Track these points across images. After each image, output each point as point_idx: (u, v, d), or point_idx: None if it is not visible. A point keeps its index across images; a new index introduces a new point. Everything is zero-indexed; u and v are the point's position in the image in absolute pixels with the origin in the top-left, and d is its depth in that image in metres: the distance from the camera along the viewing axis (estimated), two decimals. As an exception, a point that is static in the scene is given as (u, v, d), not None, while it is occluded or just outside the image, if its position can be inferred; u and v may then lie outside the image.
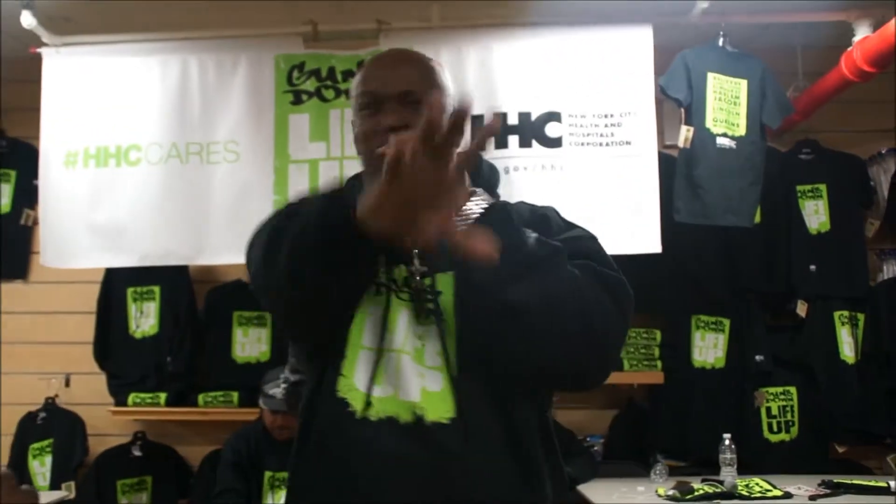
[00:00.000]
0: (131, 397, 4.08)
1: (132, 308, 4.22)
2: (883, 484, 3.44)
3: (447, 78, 1.47)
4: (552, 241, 1.27)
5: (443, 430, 1.26)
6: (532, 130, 3.50)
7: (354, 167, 3.67)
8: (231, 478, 3.56)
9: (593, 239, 1.38)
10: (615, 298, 1.26)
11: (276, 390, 3.47)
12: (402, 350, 1.30)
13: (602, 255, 1.33)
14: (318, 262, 1.20)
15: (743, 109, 3.70)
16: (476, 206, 1.27)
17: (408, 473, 1.25)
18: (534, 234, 1.26)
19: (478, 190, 1.31)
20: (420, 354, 1.30)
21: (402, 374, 1.29)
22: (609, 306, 1.25)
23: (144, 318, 4.20)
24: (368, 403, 1.28)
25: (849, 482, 3.45)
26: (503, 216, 1.27)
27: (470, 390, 1.28)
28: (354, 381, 1.30)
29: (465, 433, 1.26)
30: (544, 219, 1.40)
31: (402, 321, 1.32)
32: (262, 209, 3.49)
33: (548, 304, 1.20)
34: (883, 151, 4.38)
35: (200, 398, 4.08)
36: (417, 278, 1.33)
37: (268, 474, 3.58)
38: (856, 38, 3.59)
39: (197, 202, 3.53)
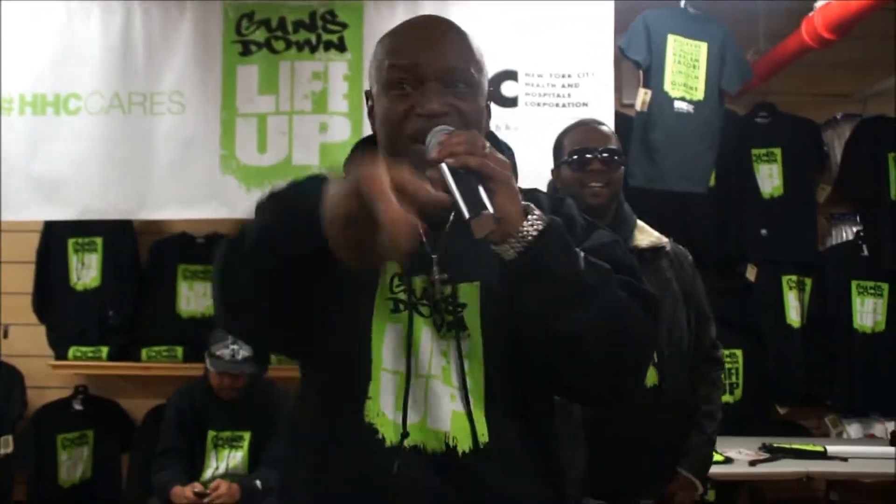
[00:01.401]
0: (72, 351, 3.99)
1: (73, 259, 4.10)
2: (820, 448, 3.52)
3: (482, 55, 1.32)
4: (600, 262, 1.16)
5: (478, 459, 1.19)
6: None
7: (304, 123, 3.58)
8: (173, 437, 3.52)
9: (618, 244, 1.28)
10: (652, 316, 1.19)
11: (224, 350, 3.41)
12: (430, 374, 1.21)
13: (631, 264, 1.25)
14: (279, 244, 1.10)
15: (702, 73, 3.66)
16: (532, 226, 1.11)
17: None
18: (581, 254, 1.15)
19: (529, 206, 1.13)
20: (447, 374, 1.22)
21: (430, 400, 1.21)
22: (648, 328, 1.19)
23: (86, 270, 4.09)
24: (400, 432, 1.20)
25: (787, 447, 3.52)
26: (561, 240, 1.13)
27: (503, 414, 1.21)
28: (381, 406, 1.21)
29: (499, 460, 1.20)
30: (569, 220, 1.27)
31: (425, 341, 1.22)
32: (207, 163, 3.41)
33: (601, 333, 1.12)
34: (838, 117, 4.39)
35: (144, 352, 4.00)
36: (436, 287, 1.22)
37: (211, 433, 3.54)
38: (818, 4, 3.54)
39: (140, 154, 3.41)
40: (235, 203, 3.40)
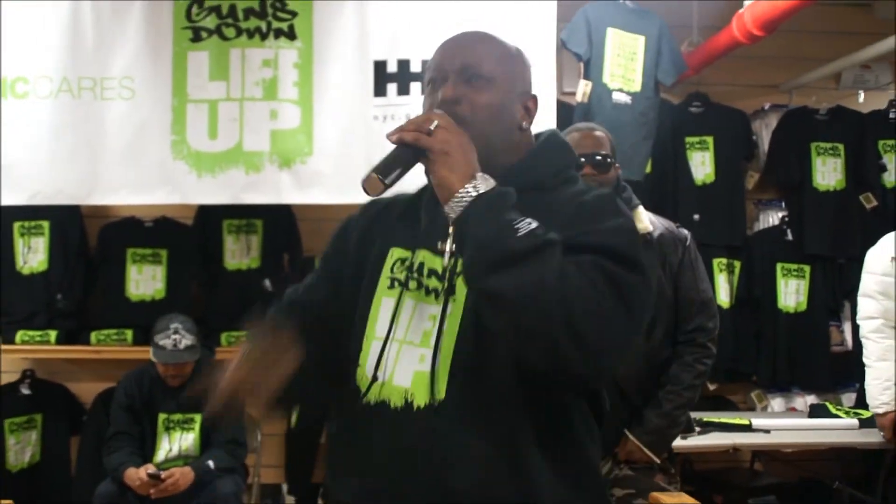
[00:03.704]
0: (19, 335, 3.97)
1: (19, 243, 4.09)
2: (745, 422, 3.74)
3: (520, 61, 1.46)
4: (548, 234, 1.22)
5: (430, 413, 1.31)
6: (414, 78, 3.48)
7: (255, 109, 3.63)
8: (124, 421, 3.57)
9: (620, 232, 1.30)
10: (621, 297, 1.21)
11: (167, 341, 3.47)
12: (404, 340, 1.36)
13: (621, 250, 1.26)
14: None
15: (639, 65, 3.82)
16: (467, 193, 1.25)
17: (391, 458, 1.33)
18: (530, 226, 1.22)
19: (478, 175, 1.27)
20: (427, 337, 1.35)
21: (400, 360, 1.35)
22: (604, 305, 1.20)
23: (32, 254, 4.08)
24: (369, 389, 1.36)
25: (716, 420, 3.73)
26: (490, 207, 1.24)
27: (466, 374, 1.31)
28: (366, 370, 1.38)
29: (452, 416, 1.30)
30: (579, 209, 1.34)
31: (406, 312, 1.37)
32: (158, 148, 3.44)
33: (524, 297, 1.18)
34: (766, 107, 4.61)
35: (93, 336, 4.01)
36: (446, 257, 1.35)
37: (162, 416, 3.59)
38: (747, 1, 3.72)
39: (90, 139, 3.41)
40: (186, 188, 3.43)
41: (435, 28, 3.48)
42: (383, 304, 1.40)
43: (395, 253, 1.43)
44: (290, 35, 3.47)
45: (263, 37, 3.46)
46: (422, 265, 1.40)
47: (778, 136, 4.52)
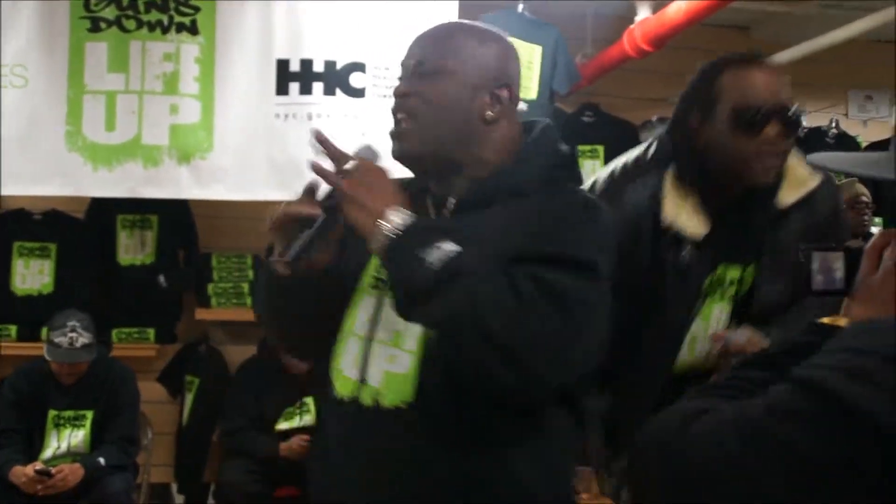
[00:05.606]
0: None
1: None
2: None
3: (486, 50, 1.45)
4: (462, 258, 1.24)
5: (397, 414, 1.33)
6: (337, 79, 3.55)
7: (155, 103, 3.59)
8: (10, 418, 3.47)
9: (567, 236, 1.31)
10: (555, 302, 1.22)
11: (62, 339, 3.39)
12: (378, 339, 1.38)
13: (561, 253, 1.27)
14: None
15: (535, 74, 3.96)
16: (382, 236, 1.28)
17: (357, 455, 1.37)
18: (449, 251, 1.24)
19: (386, 213, 1.28)
20: (400, 337, 1.36)
21: (372, 360, 1.38)
22: (531, 315, 1.21)
23: (-89, 247, 3.91)
24: (343, 386, 1.40)
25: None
26: (395, 244, 1.27)
27: (434, 376, 1.32)
28: (340, 366, 1.42)
29: (417, 419, 1.32)
30: (541, 218, 1.33)
31: (386, 312, 1.38)
32: (52, 139, 3.36)
33: (443, 330, 1.26)
34: (653, 119, 4.83)
35: (-26, 332, 3.88)
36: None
37: (52, 413, 3.51)
38: (637, 18, 3.92)
39: (-22, 128, 3.31)
40: (81, 181, 3.36)
41: (338, 29, 3.54)
42: (363, 302, 1.42)
43: None
44: (193, 30, 3.45)
45: (165, 30, 3.43)
46: None
47: (664, 146, 4.74)
